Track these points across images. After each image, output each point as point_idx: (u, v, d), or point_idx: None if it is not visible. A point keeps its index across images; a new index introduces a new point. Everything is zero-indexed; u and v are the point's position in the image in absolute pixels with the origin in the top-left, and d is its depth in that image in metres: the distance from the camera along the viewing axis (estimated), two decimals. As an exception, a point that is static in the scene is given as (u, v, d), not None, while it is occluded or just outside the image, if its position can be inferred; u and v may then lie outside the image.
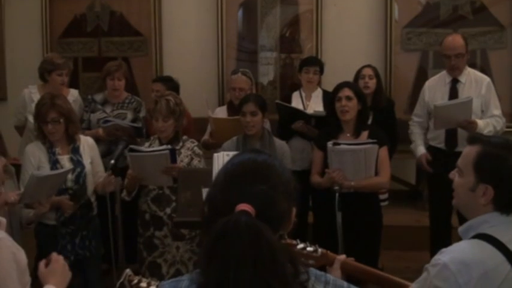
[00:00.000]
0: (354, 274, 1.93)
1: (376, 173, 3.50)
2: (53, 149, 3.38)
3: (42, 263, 1.97)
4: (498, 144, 1.73)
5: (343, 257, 1.92)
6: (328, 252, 1.92)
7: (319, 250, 1.90)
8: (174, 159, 3.33)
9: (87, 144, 3.52)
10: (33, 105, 4.30)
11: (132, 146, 3.42)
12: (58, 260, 1.98)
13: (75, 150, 3.43)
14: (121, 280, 1.87)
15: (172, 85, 4.51)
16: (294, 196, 1.36)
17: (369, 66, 4.52)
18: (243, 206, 1.22)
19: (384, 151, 3.54)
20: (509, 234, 1.67)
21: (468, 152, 1.76)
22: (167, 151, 3.31)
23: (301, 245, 1.89)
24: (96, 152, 3.59)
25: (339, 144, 3.38)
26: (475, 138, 1.79)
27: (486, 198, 1.70)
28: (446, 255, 1.67)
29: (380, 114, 4.29)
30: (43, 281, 1.92)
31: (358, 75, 4.45)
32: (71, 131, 3.39)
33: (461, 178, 1.77)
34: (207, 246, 1.20)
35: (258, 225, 1.19)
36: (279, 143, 3.70)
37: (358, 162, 3.38)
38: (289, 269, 1.20)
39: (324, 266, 1.89)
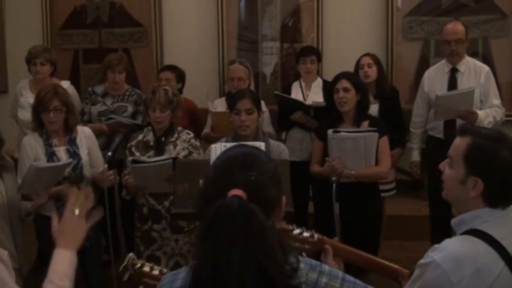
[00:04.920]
0: (347, 259, 1.93)
1: (377, 163, 3.48)
2: (49, 141, 3.35)
3: (55, 220, 1.75)
4: (489, 136, 1.70)
5: (335, 242, 1.92)
6: (325, 238, 1.91)
7: (316, 236, 1.90)
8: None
9: (84, 135, 3.49)
10: (22, 100, 4.27)
11: (134, 158, 3.37)
12: (67, 217, 1.75)
13: (72, 142, 3.40)
14: (124, 264, 1.87)
15: (180, 73, 4.52)
16: (283, 184, 1.42)
17: (367, 54, 4.41)
18: (235, 191, 1.28)
19: (385, 141, 3.52)
20: (503, 230, 1.64)
21: (458, 143, 1.73)
22: (170, 160, 3.27)
23: (297, 230, 1.90)
24: (93, 142, 3.55)
25: (339, 131, 3.36)
26: (466, 129, 1.76)
27: (476, 191, 1.68)
28: (439, 252, 1.64)
29: (385, 103, 4.25)
30: (55, 242, 1.72)
31: (358, 65, 4.36)
32: (71, 122, 3.37)
33: (451, 170, 1.75)
34: (201, 230, 1.25)
35: (251, 206, 1.24)
36: (274, 144, 3.43)
37: (358, 150, 3.36)
38: (279, 251, 1.24)
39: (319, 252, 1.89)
